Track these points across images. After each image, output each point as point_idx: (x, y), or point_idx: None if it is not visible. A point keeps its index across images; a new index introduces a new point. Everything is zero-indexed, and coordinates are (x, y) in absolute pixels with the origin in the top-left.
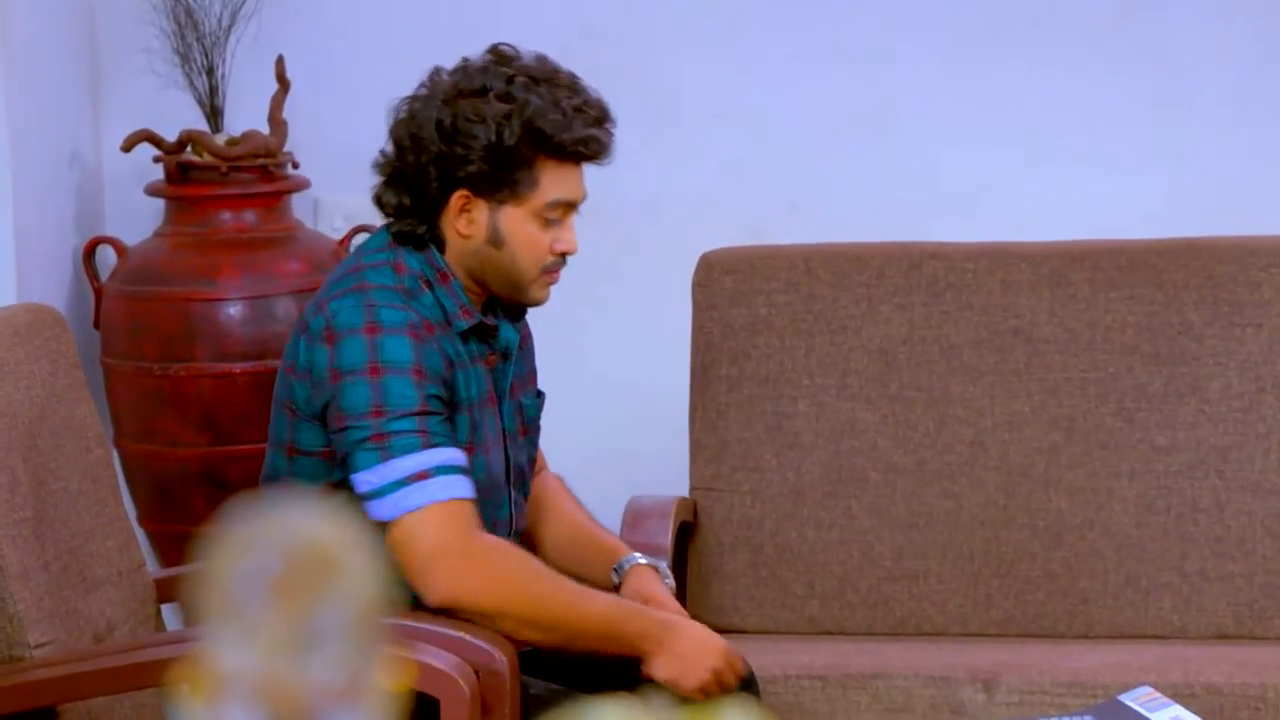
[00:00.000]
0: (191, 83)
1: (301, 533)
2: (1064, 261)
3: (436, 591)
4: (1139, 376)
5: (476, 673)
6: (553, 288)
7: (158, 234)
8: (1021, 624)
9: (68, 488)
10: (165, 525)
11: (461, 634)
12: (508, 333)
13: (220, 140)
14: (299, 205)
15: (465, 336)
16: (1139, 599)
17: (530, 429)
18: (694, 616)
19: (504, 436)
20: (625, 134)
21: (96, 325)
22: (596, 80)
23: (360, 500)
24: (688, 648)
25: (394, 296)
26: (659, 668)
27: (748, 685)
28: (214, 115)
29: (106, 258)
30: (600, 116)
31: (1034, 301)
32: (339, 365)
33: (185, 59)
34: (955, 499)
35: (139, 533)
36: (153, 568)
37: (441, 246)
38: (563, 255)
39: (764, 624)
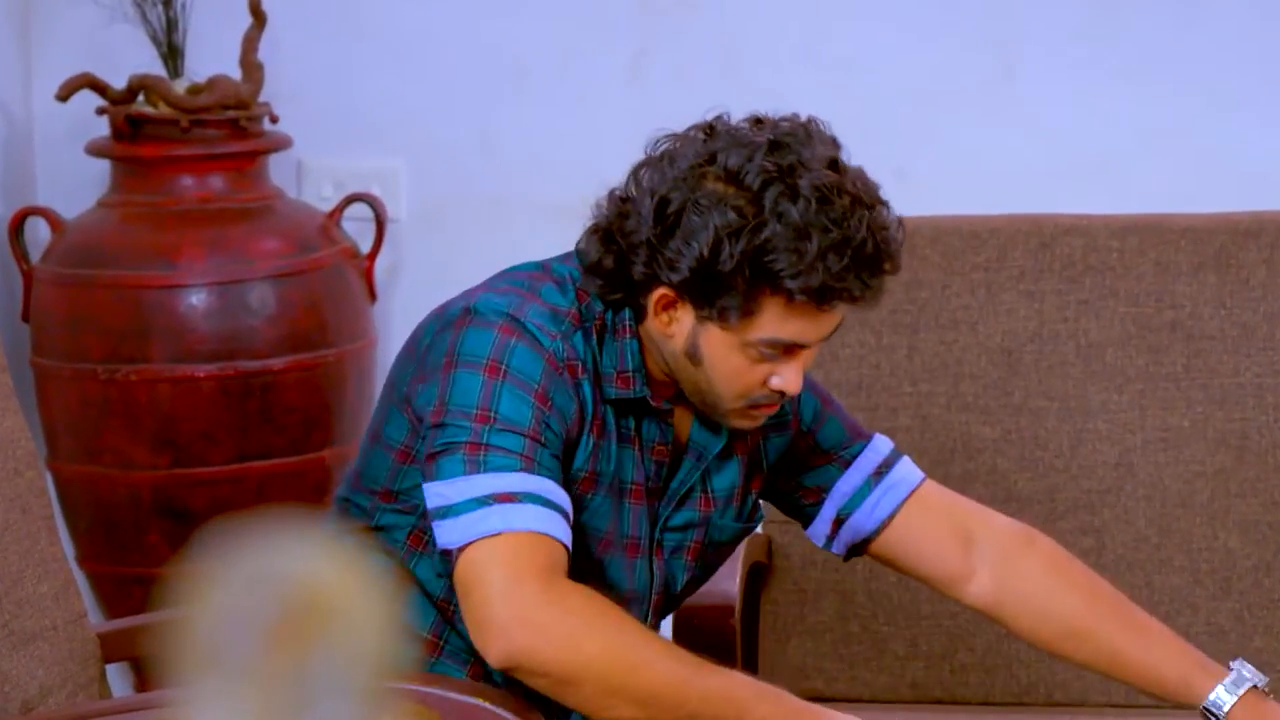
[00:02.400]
0: (144, 15)
1: (301, 572)
2: (1233, 238)
3: (495, 646)
4: None
5: None
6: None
7: (102, 204)
8: None
9: None
10: (111, 567)
11: (481, 702)
12: (706, 432)
13: (180, 88)
14: (278, 169)
15: (622, 409)
16: None
17: (710, 554)
18: (768, 680)
19: (652, 544)
20: (688, 81)
21: (26, 318)
22: (649, 16)
23: (429, 521)
24: None
25: (556, 321)
26: None
27: None
28: (172, 56)
29: (38, 233)
30: (868, 258)
31: (1195, 288)
32: (460, 350)
33: None
34: (1096, 535)
35: (79, 576)
36: (96, 619)
37: (640, 316)
38: (780, 394)
39: (856, 690)
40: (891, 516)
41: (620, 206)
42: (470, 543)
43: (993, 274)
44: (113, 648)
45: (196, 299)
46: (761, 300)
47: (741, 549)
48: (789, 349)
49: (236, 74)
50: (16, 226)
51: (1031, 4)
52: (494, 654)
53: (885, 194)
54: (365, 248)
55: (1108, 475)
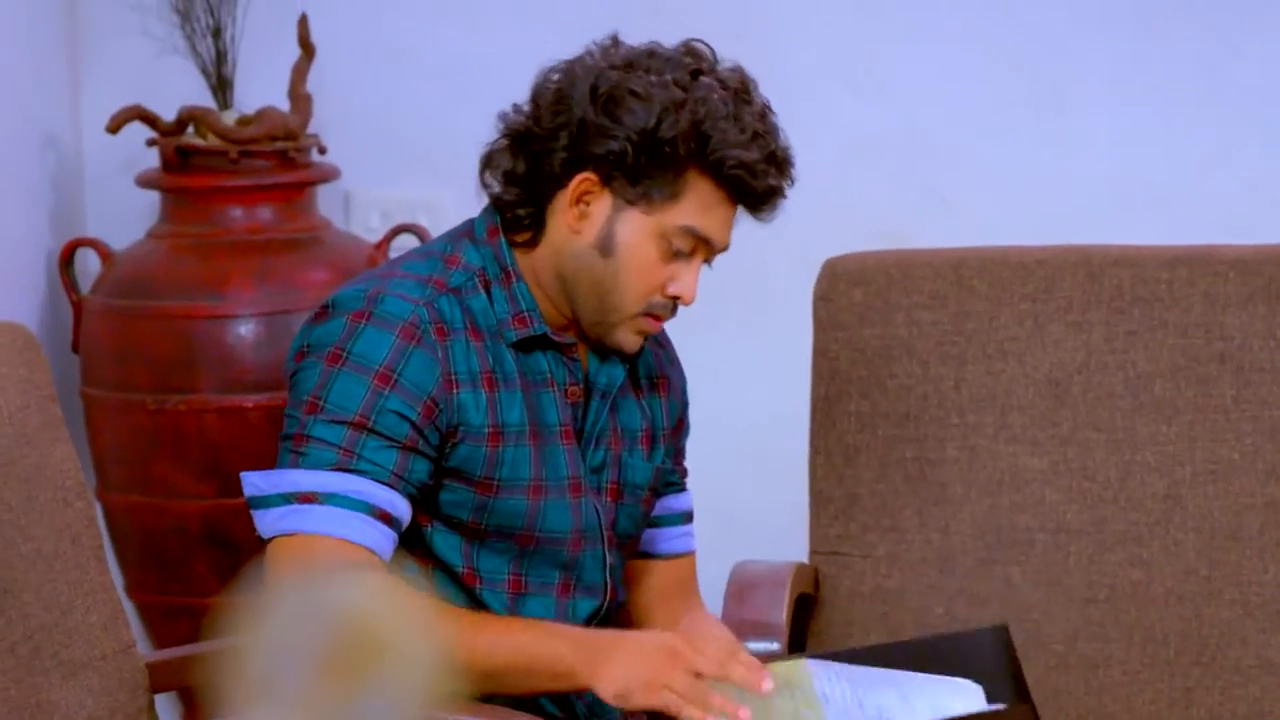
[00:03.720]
0: (194, 47)
1: (351, 602)
2: None
3: None
4: None
5: None
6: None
7: (151, 235)
8: None
9: (40, 550)
10: (160, 596)
11: None
12: (606, 369)
13: (229, 119)
14: (326, 200)
15: (528, 348)
16: None
17: (627, 495)
18: None
19: (595, 484)
20: None
21: (76, 348)
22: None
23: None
24: (626, 653)
25: (417, 288)
26: (602, 686)
27: None
28: (221, 88)
29: (88, 265)
30: (781, 160)
31: (1245, 319)
32: (309, 341)
33: (186, 18)
34: (1144, 567)
35: (128, 605)
36: (144, 648)
37: (533, 242)
38: (674, 300)
39: None
40: (668, 557)
41: (533, 108)
42: (272, 538)
43: (1040, 305)
44: (161, 677)
45: (245, 329)
46: (689, 179)
47: (789, 581)
48: (696, 248)
49: (285, 105)
50: (67, 258)
51: (1078, 34)
52: None
53: (930, 224)
54: None
55: (1156, 507)
